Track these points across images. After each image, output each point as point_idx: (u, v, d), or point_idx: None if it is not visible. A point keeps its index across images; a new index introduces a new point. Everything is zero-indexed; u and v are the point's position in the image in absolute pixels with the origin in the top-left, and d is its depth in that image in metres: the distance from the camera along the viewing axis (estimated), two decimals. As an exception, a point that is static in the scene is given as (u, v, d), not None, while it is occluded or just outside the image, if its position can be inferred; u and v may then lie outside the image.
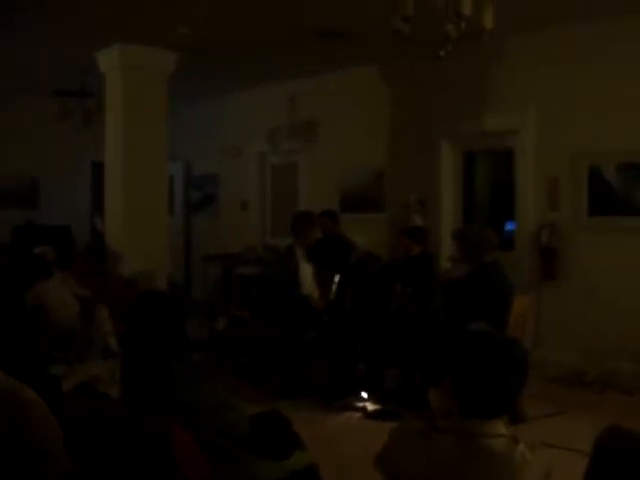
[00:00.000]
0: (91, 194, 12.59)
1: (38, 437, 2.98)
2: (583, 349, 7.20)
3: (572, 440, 4.68)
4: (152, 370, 3.04)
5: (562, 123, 7.54)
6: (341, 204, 9.69)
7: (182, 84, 9.18)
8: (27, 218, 11.60)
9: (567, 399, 6.47)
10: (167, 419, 2.82)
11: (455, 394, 2.29)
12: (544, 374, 6.80)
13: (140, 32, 7.82)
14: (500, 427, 2.27)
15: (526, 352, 2.44)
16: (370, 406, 6.17)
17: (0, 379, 3.21)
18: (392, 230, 8.51)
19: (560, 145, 7.57)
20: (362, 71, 9.38)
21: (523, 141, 7.90)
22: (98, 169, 10.06)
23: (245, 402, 3.77)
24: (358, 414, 6.14)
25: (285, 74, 9.96)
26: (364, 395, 6.31)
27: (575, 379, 7.00)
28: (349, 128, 9.77)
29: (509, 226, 8.54)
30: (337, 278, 6.96)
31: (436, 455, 2.27)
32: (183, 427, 2.77)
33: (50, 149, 11.85)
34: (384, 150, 9.32)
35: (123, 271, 8.30)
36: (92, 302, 6.33)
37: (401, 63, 8.89)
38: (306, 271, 7.14)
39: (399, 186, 9.13)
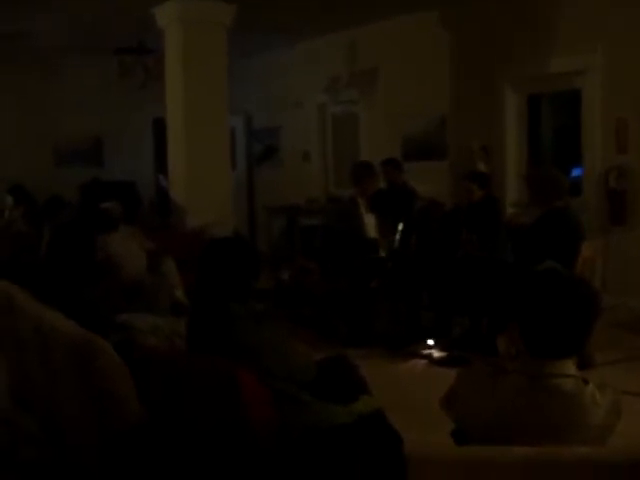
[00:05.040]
0: (154, 150, 12.72)
1: (110, 386, 3.05)
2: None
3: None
4: (214, 312, 3.08)
5: (631, 62, 7.31)
6: (403, 152, 9.60)
7: (241, 36, 9.14)
8: (93, 176, 11.78)
9: (635, 345, 6.36)
10: (232, 363, 2.85)
11: (523, 334, 2.25)
12: (612, 320, 6.68)
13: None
14: (569, 367, 2.24)
15: (596, 291, 2.37)
16: (436, 353, 6.16)
17: (73, 330, 3.29)
18: (455, 177, 8.41)
19: (629, 85, 7.35)
20: (422, 16, 9.20)
21: (591, 82, 7.69)
22: (160, 125, 10.13)
23: (312, 350, 3.79)
24: (424, 361, 6.14)
25: (343, 22, 9.83)
26: (430, 342, 6.31)
27: (644, 325, 6.88)
28: (410, 75, 9.63)
29: (576, 172, 8.36)
30: (401, 226, 6.92)
31: (504, 395, 2.25)
32: (247, 370, 2.80)
33: (113, 107, 11.98)
34: (446, 96, 9.18)
35: (188, 225, 8.39)
36: (159, 255, 6.41)
37: (462, 7, 8.71)
38: (369, 221, 7.12)
39: (462, 133, 9.00)
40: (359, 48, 10.35)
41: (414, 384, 5.60)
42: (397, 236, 6.93)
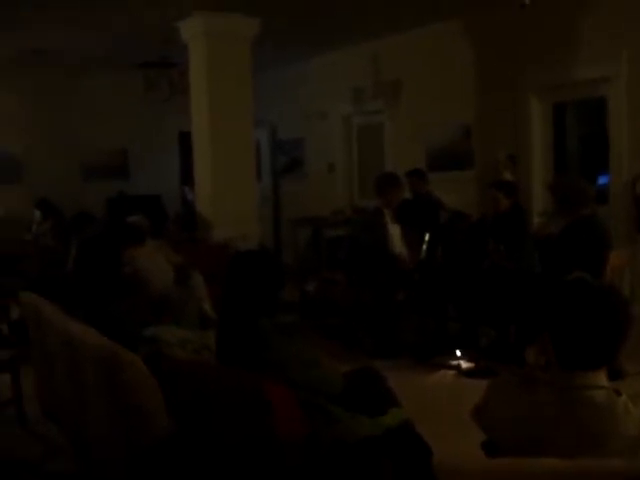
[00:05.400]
0: (179, 163, 12.80)
1: (138, 399, 3.06)
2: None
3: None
4: (243, 327, 3.08)
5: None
6: (428, 163, 9.59)
7: (265, 49, 9.19)
8: (119, 189, 11.89)
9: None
10: (260, 376, 2.85)
11: (554, 345, 2.23)
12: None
13: (220, 0, 7.85)
14: (601, 378, 2.21)
15: (627, 300, 2.35)
16: (464, 364, 6.13)
17: (100, 343, 3.31)
18: (481, 187, 8.38)
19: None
20: (444, 26, 9.21)
21: (616, 89, 7.63)
22: (185, 138, 10.20)
23: (339, 362, 3.78)
24: (452, 372, 6.12)
25: (366, 33, 9.86)
26: (458, 353, 6.28)
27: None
28: (434, 85, 9.62)
29: (602, 180, 8.30)
30: (427, 237, 6.90)
31: (535, 407, 2.23)
32: (276, 384, 2.80)
33: (138, 121, 12.09)
34: (471, 106, 9.16)
35: (214, 238, 8.42)
36: (187, 269, 6.43)
37: (485, 16, 8.70)
38: (394, 232, 7.10)
39: (487, 142, 8.97)
40: (382, 59, 10.36)
41: (442, 395, 5.57)
42: (424, 247, 6.91)
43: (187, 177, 11.29)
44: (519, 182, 8.06)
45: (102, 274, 4.12)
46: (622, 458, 2.08)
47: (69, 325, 3.70)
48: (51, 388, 4.27)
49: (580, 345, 2.20)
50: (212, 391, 2.96)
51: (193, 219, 8.90)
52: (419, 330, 6.85)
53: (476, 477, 2.01)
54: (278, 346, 3.05)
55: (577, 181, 6.14)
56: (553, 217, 6.26)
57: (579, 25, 7.84)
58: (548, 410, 2.21)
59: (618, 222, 7.50)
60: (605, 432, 2.15)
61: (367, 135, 11.30)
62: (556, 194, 6.00)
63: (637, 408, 2.20)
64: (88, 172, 12.20)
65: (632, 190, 7.52)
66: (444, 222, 7.43)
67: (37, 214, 10.32)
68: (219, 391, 2.93)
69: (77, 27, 8.91)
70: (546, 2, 7.63)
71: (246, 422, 2.78)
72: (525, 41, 8.36)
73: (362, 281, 7.10)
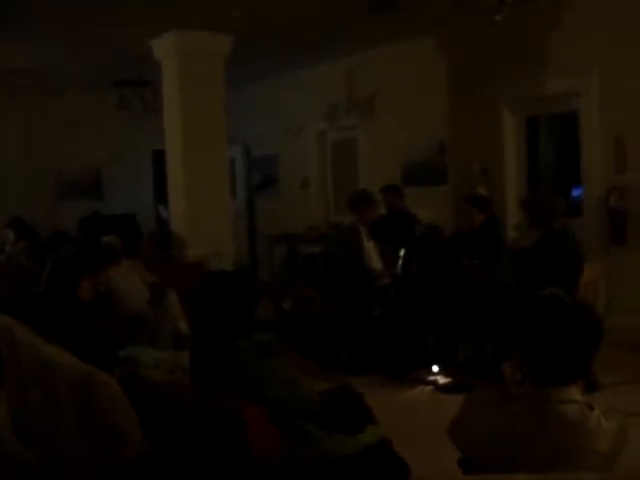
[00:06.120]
0: (153, 182, 12.76)
1: (113, 420, 3.04)
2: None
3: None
4: (219, 347, 3.06)
5: (626, 82, 7.33)
6: (403, 178, 9.62)
7: (238, 66, 9.19)
8: (92, 209, 11.82)
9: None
10: (236, 397, 2.84)
11: (527, 361, 2.24)
12: (616, 342, 6.63)
13: (193, 18, 7.84)
14: (574, 393, 2.23)
15: (599, 316, 2.36)
16: (441, 379, 6.13)
17: (74, 365, 3.28)
18: (456, 202, 8.41)
19: (625, 105, 7.36)
20: (418, 42, 9.25)
21: (587, 102, 7.70)
22: (159, 157, 10.17)
23: (315, 380, 3.77)
24: (429, 388, 6.11)
25: (339, 50, 9.89)
26: (435, 369, 6.28)
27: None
28: (408, 101, 9.67)
29: (576, 192, 8.36)
30: (402, 252, 6.92)
31: (510, 422, 2.23)
32: (252, 403, 2.78)
33: (112, 139, 12.05)
34: (444, 121, 9.21)
35: (189, 256, 8.39)
36: (160, 287, 6.40)
37: (457, 31, 8.76)
38: (370, 249, 7.11)
39: (461, 156, 9.01)
40: (356, 75, 10.40)
41: (420, 411, 5.56)
42: (399, 262, 6.92)
43: (161, 195, 11.25)
44: (493, 196, 8.10)
45: (75, 294, 4.09)
46: (595, 473, 2.09)
47: (43, 346, 3.67)
48: (24, 409, 4.22)
49: (552, 360, 2.21)
50: (188, 412, 2.94)
51: (167, 237, 8.87)
52: (396, 346, 6.84)
53: (453, 494, 2.01)
54: (255, 365, 3.03)
55: (548, 196, 6.18)
56: (526, 231, 6.30)
57: (551, 40, 7.91)
58: (522, 425, 2.21)
59: (592, 234, 7.55)
60: (577, 447, 2.16)
61: (342, 151, 11.31)
62: (527, 209, 6.05)
63: (610, 423, 2.21)
64: (61, 191, 12.13)
65: (606, 203, 7.58)
66: (419, 237, 7.45)
67: (10, 234, 10.22)
68: (195, 412, 2.91)
69: (50, 46, 8.87)
70: (518, 18, 7.68)
71: (222, 442, 2.76)
72: (497, 56, 8.43)
73: (338, 297, 7.09)
